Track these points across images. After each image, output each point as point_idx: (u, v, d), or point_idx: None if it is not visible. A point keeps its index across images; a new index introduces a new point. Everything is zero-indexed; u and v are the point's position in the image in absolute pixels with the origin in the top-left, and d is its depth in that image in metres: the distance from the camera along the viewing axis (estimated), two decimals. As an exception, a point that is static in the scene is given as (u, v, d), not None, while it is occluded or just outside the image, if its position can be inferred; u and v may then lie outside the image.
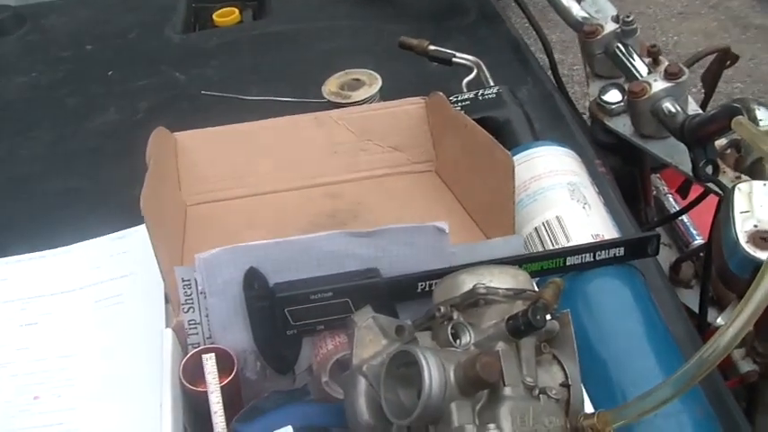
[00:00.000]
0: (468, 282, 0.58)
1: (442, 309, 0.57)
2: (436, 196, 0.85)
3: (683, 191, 1.18)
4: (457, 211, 0.81)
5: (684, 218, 1.17)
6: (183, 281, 0.64)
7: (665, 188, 1.23)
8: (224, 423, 0.58)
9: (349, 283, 0.64)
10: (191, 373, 0.63)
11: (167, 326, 0.68)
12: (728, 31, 2.86)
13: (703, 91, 1.10)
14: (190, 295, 0.64)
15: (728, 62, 1.09)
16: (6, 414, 0.72)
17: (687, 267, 1.12)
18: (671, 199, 1.22)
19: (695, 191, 1.12)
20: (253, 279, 0.64)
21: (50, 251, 0.88)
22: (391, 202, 0.84)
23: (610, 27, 0.99)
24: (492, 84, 1.01)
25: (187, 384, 0.62)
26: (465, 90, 0.99)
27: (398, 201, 0.85)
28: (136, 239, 0.85)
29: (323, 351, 0.64)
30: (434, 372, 0.51)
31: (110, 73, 1.24)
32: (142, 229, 0.69)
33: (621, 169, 1.02)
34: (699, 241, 1.15)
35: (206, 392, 0.60)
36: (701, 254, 1.11)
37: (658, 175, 1.24)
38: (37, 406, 0.72)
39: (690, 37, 2.81)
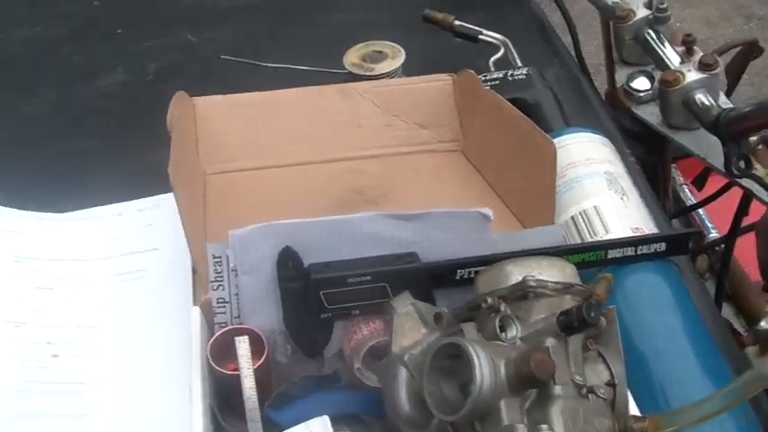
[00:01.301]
0: (515, 273, 0.56)
1: (489, 300, 0.55)
2: (464, 178, 0.83)
3: (698, 182, 1.17)
4: (488, 194, 0.79)
5: (701, 210, 1.16)
6: (215, 257, 0.61)
7: (681, 179, 1.22)
8: (258, 408, 0.55)
9: (388, 268, 0.61)
10: (217, 352, 0.61)
11: (193, 304, 0.65)
12: (731, 20, 2.84)
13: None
14: (220, 272, 0.61)
15: (754, 55, 1.07)
16: (23, 368, 0.69)
17: (702, 260, 1.10)
18: (686, 190, 1.20)
19: (711, 183, 1.11)
20: (287, 258, 0.61)
21: (64, 215, 0.84)
22: (419, 181, 0.82)
23: (642, 13, 0.96)
24: (520, 64, 0.98)
25: (215, 366, 0.59)
26: (493, 69, 0.96)
27: (426, 181, 0.82)
28: (160, 213, 0.81)
29: (357, 337, 0.61)
30: (486, 367, 0.49)
31: (118, 31, 1.20)
32: (163, 199, 0.66)
33: (645, 159, 1.00)
34: (714, 234, 1.14)
35: (235, 374, 0.58)
36: (717, 248, 1.10)
37: (674, 165, 1.23)
38: (55, 364, 0.69)
39: (692, 24, 2.78)
